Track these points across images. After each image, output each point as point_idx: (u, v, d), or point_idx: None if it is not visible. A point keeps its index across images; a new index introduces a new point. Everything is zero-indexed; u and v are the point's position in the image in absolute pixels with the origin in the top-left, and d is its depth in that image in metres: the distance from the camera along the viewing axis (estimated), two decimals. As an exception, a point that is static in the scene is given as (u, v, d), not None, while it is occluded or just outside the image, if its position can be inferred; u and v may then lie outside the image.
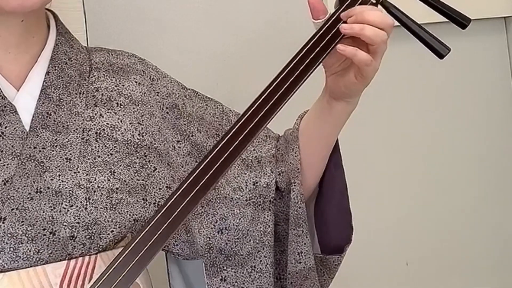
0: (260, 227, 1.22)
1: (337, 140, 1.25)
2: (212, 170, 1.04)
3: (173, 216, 1.01)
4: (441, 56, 1.10)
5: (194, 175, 1.03)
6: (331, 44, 1.09)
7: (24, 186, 1.04)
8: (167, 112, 1.23)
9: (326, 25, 1.09)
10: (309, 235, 1.22)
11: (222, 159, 1.04)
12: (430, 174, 1.98)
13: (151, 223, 1.00)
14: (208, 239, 1.20)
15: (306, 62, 1.08)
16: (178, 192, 1.02)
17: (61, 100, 1.12)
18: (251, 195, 1.23)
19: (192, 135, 1.24)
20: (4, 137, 1.06)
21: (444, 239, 1.99)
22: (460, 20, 1.12)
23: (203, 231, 1.20)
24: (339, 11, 1.10)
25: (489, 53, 2.06)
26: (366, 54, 1.08)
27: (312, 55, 1.09)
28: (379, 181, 1.93)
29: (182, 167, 1.21)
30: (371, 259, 1.92)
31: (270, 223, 1.22)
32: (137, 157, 1.15)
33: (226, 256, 1.22)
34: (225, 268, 1.22)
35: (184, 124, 1.24)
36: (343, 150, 1.87)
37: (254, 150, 1.27)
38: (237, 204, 1.22)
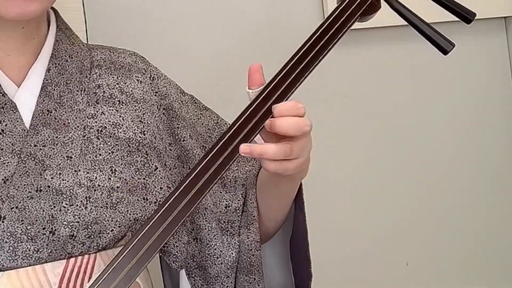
0: (232, 253, 1.20)
1: (300, 184, 1.19)
2: (213, 169, 1.02)
3: (172, 216, 0.99)
4: (445, 52, 1.09)
5: (193, 174, 1.01)
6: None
7: (24, 184, 1.03)
8: (163, 113, 1.22)
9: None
10: (262, 282, 1.20)
11: (222, 158, 1.02)
12: (430, 174, 1.98)
13: (150, 223, 0.99)
14: (183, 245, 1.20)
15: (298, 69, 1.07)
16: (178, 192, 1.00)
17: (62, 97, 1.11)
18: (220, 217, 1.22)
19: (184, 140, 1.23)
20: (4, 134, 1.05)
21: (444, 239, 1.99)
22: (464, 15, 1.12)
23: (181, 236, 1.20)
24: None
25: (489, 53, 2.07)
26: (292, 165, 1.04)
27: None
28: (379, 181, 1.93)
29: (170, 170, 1.20)
30: (371, 259, 1.92)
31: (238, 249, 1.21)
32: (139, 156, 1.14)
33: (198, 264, 1.22)
34: (193, 276, 1.22)
35: (177, 128, 1.23)
36: (344, 150, 1.88)
37: (237, 169, 1.25)
38: (215, 219, 1.22)
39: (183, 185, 1.00)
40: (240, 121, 1.03)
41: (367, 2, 1.11)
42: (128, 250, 0.98)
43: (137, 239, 0.98)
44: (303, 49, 1.07)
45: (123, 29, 1.68)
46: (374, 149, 1.93)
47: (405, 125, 1.96)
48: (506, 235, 2.07)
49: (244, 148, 1.00)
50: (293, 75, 1.05)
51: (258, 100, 1.04)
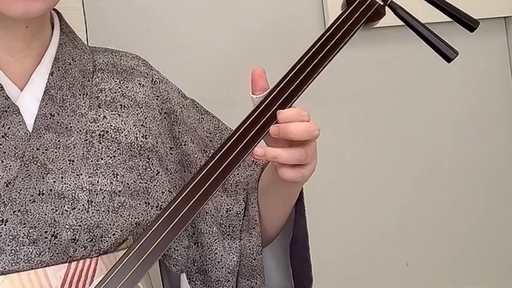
0: (233, 257, 1.20)
1: (301, 189, 1.20)
2: (216, 174, 1.01)
3: (176, 221, 0.99)
4: (448, 59, 1.10)
5: (197, 178, 1.01)
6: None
7: (27, 188, 1.03)
8: (165, 117, 1.22)
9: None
10: (264, 287, 1.21)
11: (226, 163, 1.02)
12: (430, 174, 1.98)
13: (154, 227, 0.99)
14: (184, 249, 1.20)
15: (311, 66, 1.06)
16: (181, 196, 1.00)
17: (65, 101, 1.11)
18: (221, 221, 1.23)
19: (185, 144, 1.23)
20: (7, 138, 1.05)
21: (444, 239, 1.99)
22: (468, 23, 1.12)
23: (182, 240, 1.20)
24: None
25: (489, 53, 2.07)
26: (308, 171, 1.06)
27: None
28: (379, 181, 1.93)
29: (172, 174, 1.20)
30: (371, 259, 1.92)
31: (239, 253, 1.21)
32: (141, 160, 1.14)
33: (198, 269, 1.22)
34: (194, 280, 1.22)
35: (179, 132, 1.23)
36: (344, 150, 1.88)
37: (238, 173, 1.25)
38: (216, 223, 1.22)
39: (187, 190, 1.00)
40: (244, 126, 1.03)
41: (372, 9, 1.11)
42: (131, 254, 0.98)
43: (140, 243, 0.98)
44: (308, 55, 1.07)
45: (123, 29, 1.68)
46: (374, 149, 1.93)
47: (405, 125, 1.96)
48: (506, 235, 2.07)
49: (258, 151, 1.00)
50: (298, 81, 1.05)
51: (263, 106, 1.04)
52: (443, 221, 1.99)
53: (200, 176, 1.01)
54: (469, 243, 2.02)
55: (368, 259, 1.91)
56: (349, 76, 1.89)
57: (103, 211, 1.07)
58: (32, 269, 1.02)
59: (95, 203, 1.06)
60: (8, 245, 1.01)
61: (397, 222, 1.94)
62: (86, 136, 1.11)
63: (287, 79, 1.05)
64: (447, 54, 1.09)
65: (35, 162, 1.05)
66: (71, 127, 1.10)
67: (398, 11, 1.11)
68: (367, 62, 1.92)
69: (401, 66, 1.95)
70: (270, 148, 1.02)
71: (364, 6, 1.10)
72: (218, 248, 1.20)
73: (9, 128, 1.06)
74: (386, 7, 1.12)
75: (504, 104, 2.08)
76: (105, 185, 1.08)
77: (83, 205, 1.05)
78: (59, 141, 1.08)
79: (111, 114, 1.15)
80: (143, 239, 0.98)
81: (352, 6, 1.10)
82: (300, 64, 1.06)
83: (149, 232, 0.98)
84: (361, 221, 1.91)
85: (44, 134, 1.07)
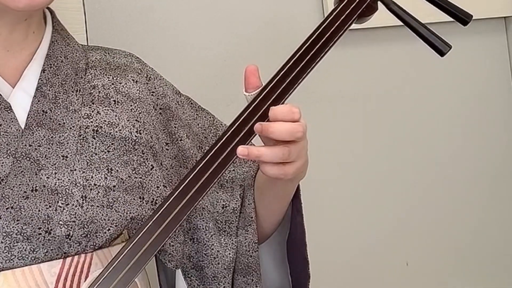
0: (229, 253, 1.21)
1: (298, 185, 1.20)
2: (210, 170, 1.01)
3: (170, 217, 0.99)
4: (442, 53, 1.09)
5: (191, 175, 1.01)
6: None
7: (20, 184, 1.03)
8: (160, 113, 1.22)
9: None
10: (260, 283, 1.21)
11: (220, 160, 1.01)
12: (430, 174, 1.98)
13: (149, 224, 0.99)
14: (179, 244, 1.20)
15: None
16: (176, 193, 1.00)
17: (57, 98, 1.11)
18: (218, 217, 1.23)
19: (181, 140, 1.23)
20: None
21: (444, 239, 1.99)
22: (461, 17, 1.11)
23: (178, 235, 1.20)
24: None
25: (489, 53, 2.07)
26: (292, 169, 1.05)
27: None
28: (378, 181, 1.93)
29: (167, 169, 1.20)
30: (371, 259, 1.92)
31: (235, 249, 1.21)
32: (135, 155, 1.14)
33: (194, 265, 1.22)
34: (189, 276, 1.22)
35: (175, 127, 1.23)
36: (343, 150, 1.88)
37: (233, 170, 1.25)
38: (212, 219, 1.22)
39: (181, 187, 1.00)
40: (238, 123, 1.02)
41: (364, 4, 1.10)
42: (126, 251, 0.97)
43: (135, 240, 0.98)
44: (300, 51, 1.07)
45: (123, 29, 1.68)
46: (373, 149, 1.93)
47: (404, 125, 1.96)
48: (506, 235, 2.06)
49: (241, 150, 1.00)
50: (290, 77, 1.05)
51: (255, 103, 1.03)
52: (443, 221, 1.99)
53: (194, 173, 1.00)
54: (469, 243, 2.02)
55: (368, 259, 1.91)
56: (348, 76, 1.90)
57: (98, 206, 1.07)
58: (26, 265, 1.02)
59: (89, 198, 1.06)
60: (2, 242, 1.01)
61: (397, 222, 1.94)
62: (80, 132, 1.11)
63: (279, 75, 1.05)
64: (440, 48, 1.08)
65: (27, 159, 1.05)
66: (64, 123, 1.10)
67: (391, 6, 1.11)
68: (366, 62, 1.92)
69: (400, 66, 1.95)
70: (253, 147, 1.02)
71: (356, 1, 1.10)
72: (215, 244, 1.20)
73: (1, 125, 1.06)
74: (379, 2, 1.12)
75: (504, 104, 2.08)
76: (99, 180, 1.08)
77: (77, 200, 1.05)
78: (52, 137, 1.08)
79: (105, 109, 1.15)
80: (138, 236, 0.98)
81: (344, 2, 1.10)
82: (293, 60, 1.06)
83: (144, 229, 0.98)
84: (361, 221, 1.91)
85: (37, 131, 1.07)
